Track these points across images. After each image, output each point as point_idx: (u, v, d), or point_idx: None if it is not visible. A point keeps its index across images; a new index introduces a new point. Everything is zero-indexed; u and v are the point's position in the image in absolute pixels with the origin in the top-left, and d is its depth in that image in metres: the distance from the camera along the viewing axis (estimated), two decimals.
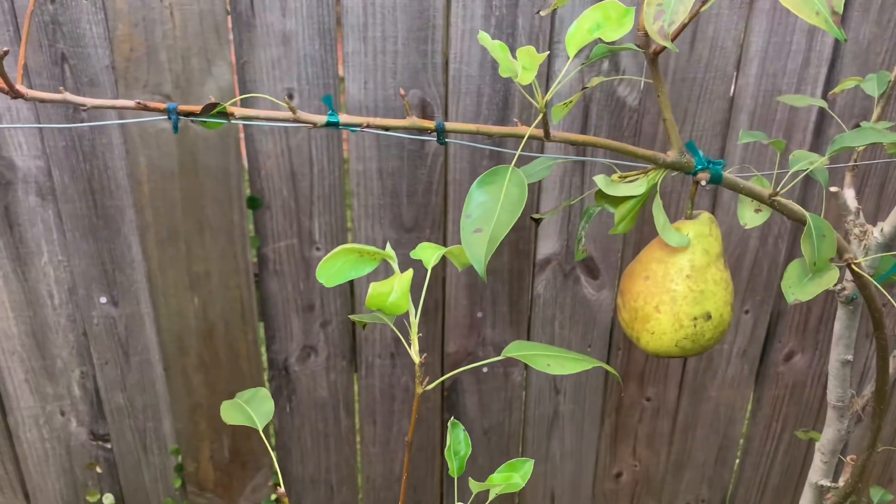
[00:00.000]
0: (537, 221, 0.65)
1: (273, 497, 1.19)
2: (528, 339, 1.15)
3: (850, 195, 0.64)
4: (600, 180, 0.51)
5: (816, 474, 0.71)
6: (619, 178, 0.52)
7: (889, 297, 0.53)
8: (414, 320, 0.46)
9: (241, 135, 0.97)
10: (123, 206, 0.97)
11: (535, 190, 1.04)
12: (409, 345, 0.45)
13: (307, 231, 1.02)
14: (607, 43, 0.51)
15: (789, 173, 0.53)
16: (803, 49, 1.01)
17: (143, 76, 0.90)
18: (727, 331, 0.58)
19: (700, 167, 0.51)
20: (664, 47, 0.44)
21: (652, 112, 1.02)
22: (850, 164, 0.66)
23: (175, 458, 1.13)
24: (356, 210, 1.02)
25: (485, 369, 1.17)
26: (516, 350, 0.47)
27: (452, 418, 0.53)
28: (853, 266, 0.55)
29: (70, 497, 1.14)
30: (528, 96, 0.44)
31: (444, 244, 1.07)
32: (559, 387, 1.21)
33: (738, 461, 1.34)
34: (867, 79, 0.67)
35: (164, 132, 0.93)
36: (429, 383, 0.46)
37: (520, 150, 0.44)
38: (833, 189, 0.61)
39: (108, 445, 1.12)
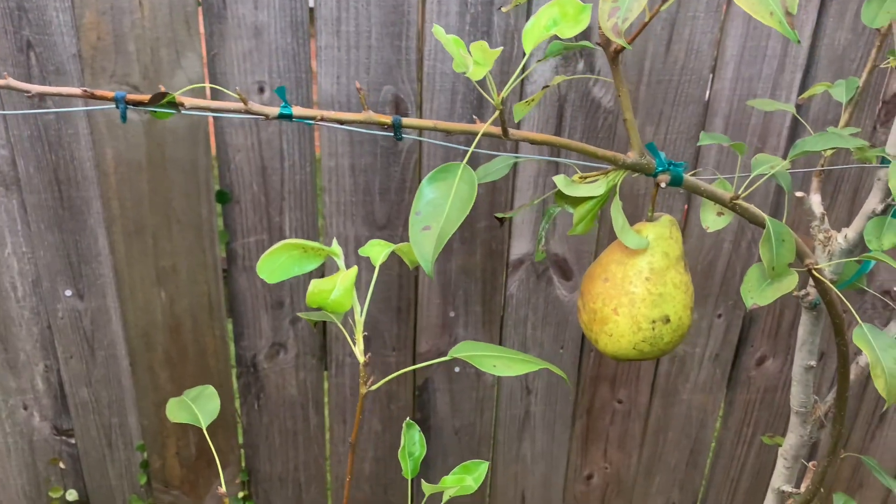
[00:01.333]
0: (501, 221, 0.64)
1: (241, 495, 1.17)
2: (501, 339, 1.15)
3: (815, 200, 0.64)
4: (559, 180, 0.51)
5: (779, 479, 0.71)
6: (580, 178, 0.52)
7: (849, 305, 0.53)
8: (359, 318, 0.45)
9: (211, 128, 0.95)
10: (90, 198, 0.95)
11: (509, 190, 1.04)
12: (354, 343, 0.44)
13: (277, 227, 1.01)
14: (563, 40, 0.50)
15: (750, 177, 0.53)
16: (778, 54, 1.01)
17: (111, 66, 0.88)
18: (686, 335, 0.58)
19: (660, 169, 0.50)
20: (622, 50, 0.43)
21: None
22: (818, 168, 0.66)
23: (141, 455, 1.12)
24: (328, 206, 1.01)
25: (456, 369, 1.16)
26: (463, 350, 0.47)
27: (408, 419, 0.52)
28: (814, 271, 0.55)
29: (32, 493, 1.12)
30: (484, 93, 0.43)
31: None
32: (531, 387, 1.20)
33: (708, 464, 1.34)
34: (836, 84, 0.67)
35: (132, 123, 0.92)
36: (371, 383, 0.45)
37: (472, 147, 0.44)
38: (799, 194, 0.61)
39: (73, 441, 1.10)
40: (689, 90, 1.02)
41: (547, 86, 0.54)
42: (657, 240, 0.55)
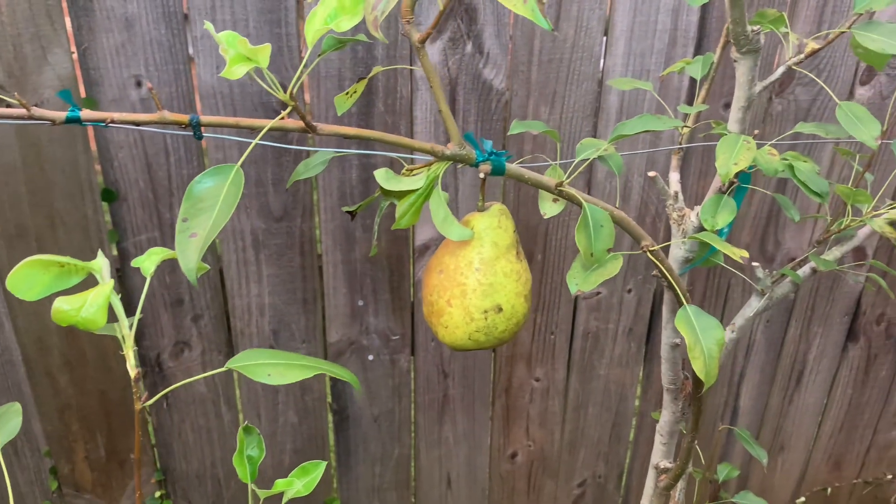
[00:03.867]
0: (352, 215, 0.63)
1: (157, 494, 1.16)
2: (412, 326, 1.14)
3: (674, 178, 0.63)
4: (380, 175, 0.50)
5: (657, 456, 0.72)
6: (407, 171, 0.51)
7: (677, 287, 0.53)
8: (129, 332, 0.43)
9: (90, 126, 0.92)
10: None
11: None
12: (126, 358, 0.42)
13: (169, 223, 0.99)
14: (339, 34, 0.49)
15: (574, 162, 0.52)
16: (669, 28, 1.01)
17: None
18: (524, 322, 0.58)
19: (481, 159, 0.50)
20: (428, 34, 0.42)
21: (520, 95, 1.01)
22: (676, 147, 0.66)
23: (49, 461, 1.10)
24: None
25: (370, 357, 1.15)
26: (240, 361, 0.46)
27: (246, 423, 0.51)
28: (649, 254, 0.55)
29: None
30: (267, 87, 0.42)
31: (316, 232, 1.05)
32: (447, 370, 1.20)
33: (632, 437, 1.36)
34: (694, 61, 0.67)
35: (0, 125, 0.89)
36: (145, 399, 0.43)
37: (258, 139, 0.42)
38: (651, 174, 0.61)
39: None
40: (582, 68, 1.01)
41: (363, 77, 0.53)
42: (486, 230, 0.55)
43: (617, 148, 1.05)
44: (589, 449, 1.35)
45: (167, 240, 0.99)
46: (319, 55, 0.51)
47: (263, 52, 0.40)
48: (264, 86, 0.43)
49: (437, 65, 0.96)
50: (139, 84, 0.90)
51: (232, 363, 0.46)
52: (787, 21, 0.56)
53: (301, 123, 0.44)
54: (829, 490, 1.55)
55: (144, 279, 1.03)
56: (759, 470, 1.48)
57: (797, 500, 1.54)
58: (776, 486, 1.52)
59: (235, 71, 0.39)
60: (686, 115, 0.70)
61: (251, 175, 0.98)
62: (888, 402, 1.48)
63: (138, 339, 1.05)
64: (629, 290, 1.19)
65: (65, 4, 0.85)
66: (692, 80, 1.03)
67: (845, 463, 1.54)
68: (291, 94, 0.41)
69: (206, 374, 0.54)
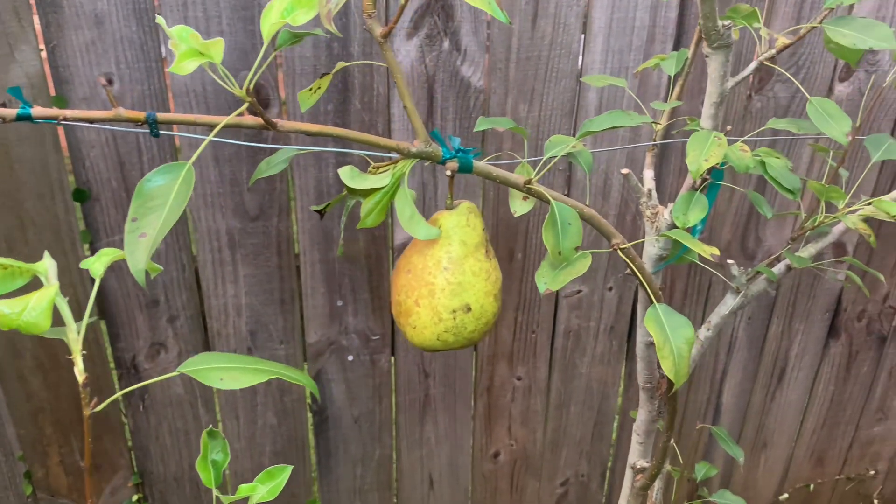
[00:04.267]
0: (321, 213, 0.62)
1: (134, 498, 1.14)
2: (393, 326, 1.13)
3: (648, 175, 0.63)
4: (344, 172, 0.49)
5: (634, 455, 0.72)
6: (374, 169, 0.50)
7: (647, 286, 0.53)
8: (75, 337, 0.42)
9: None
10: None
11: None
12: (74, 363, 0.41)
13: None
14: (295, 28, 0.48)
15: (543, 159, 0.52)
16: (647, 24, 1.00)
17: None
18: (493, 322, 0.57)
19: (447, 156, 0.49)
20: (391, 29, 0.41)
21: (499, 92, 1.00)
22: (650, 143, 0.65)
23: (23, 465, 1.08)
24: (193, 200, 0.97)
25: (350, 357, 1.14)
26: (192, 365, 0.45)
27: (210, 427, 0.50)
28: (620, 252, 0.54)
29: None
30: (222, 83, 0.41)
31: (293, 231, 1.03)
32: (428, 370, 1.19)
33: (614, 436, 1.36)
34: (669, 57, 0.66)
35: None
36: (94, 405, 0.42)
37: (211, 136, 0.41)
38: (624, 171, 0.60)
39: None
40: (560, 65, 1.00)
41: (325, 73, 0.52)
42: (454, 228, 0.54)
43: (593, 145, 1.04)
44: (571, 448, 1.34)
45: None
46: (275, 49, 0.50)
47: (216, 47, 0.39)
48: (220, 82, 0.42)
49: (413, 62, 0.95)
50: (111, 82, 0.89)
51: (184, 367, 0.45)
52: (759, 16, 0.56)
53: (259, 120, 0.43)
54: (812, 486, 1.56)
55: (118, 282, 1.02)
56: (744, 466, 1.49)
57: (780, 497, 1.55)
58: (759, 483, 1.52)
59: (185, 66, 0.38)
60: (659, 112, 0.70)
61: (225, 174, 0.97)
62: (870, 399, 1.49)
63: (113, 340, 1.04)
64: (610, 288, 1.19)
65: (32, 1, 0.84)
66: (672, 77, 1.03)
67: (828, 459, 1.55)
68: (248, 90, 0.40)
69: (157, 379, 0.53)
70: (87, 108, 0.89)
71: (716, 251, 0.49)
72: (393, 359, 1.17)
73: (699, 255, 0.50)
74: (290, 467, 0.50)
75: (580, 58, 1.01)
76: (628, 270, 0.61)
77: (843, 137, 0.50)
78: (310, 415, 1.18)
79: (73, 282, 0.97)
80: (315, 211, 0.61)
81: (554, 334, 1.22)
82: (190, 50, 0.37)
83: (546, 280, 0.51)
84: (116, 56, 0.88)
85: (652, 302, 0.53)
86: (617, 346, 1.25)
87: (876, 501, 1.63)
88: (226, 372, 0.43)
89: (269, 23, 0.39)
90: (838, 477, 1.57)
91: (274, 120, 0.44)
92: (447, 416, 1.24)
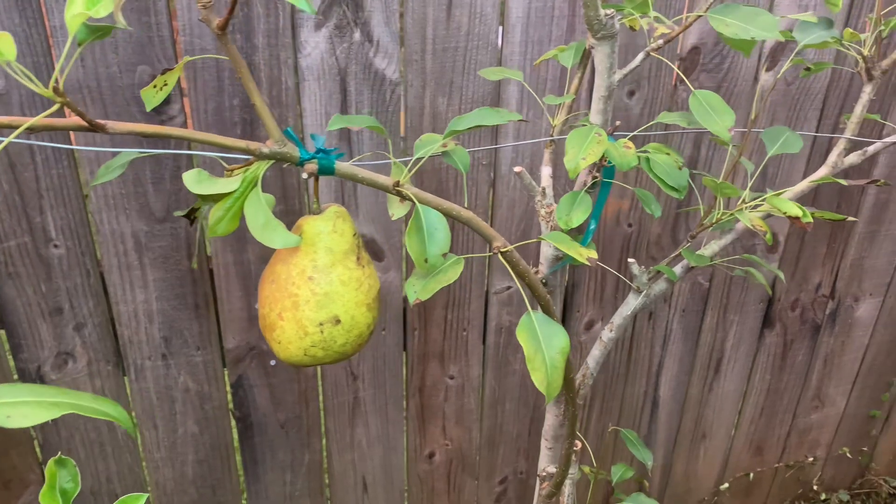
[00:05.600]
0: (190, 220, 0.58)
1: None
2: None
3: (545, 173, 0.60)
4: (189, 177, 0.45)
5: (543, 461, 0.70)
6: (229, 171, 0.46)
7: (536, 286, 0.50)
8: None
9: None
10: None
11: (294, 173, 0.97)
12: None
13: (40, 227, 0.92)
14: (96, 21, 0.44)
15: (412, 160, 0.49)
16: (567, 14, 0.98)
17: None
18: (369, 333, 0.54)
19: (305, 157, 0.45)
20: (228, 20, 0.38)
21: (416, 85, 0.97)
22: (548, 139, 0.63)
23: None
24: (94, 201, 0.92)
25: (273, 362, 1.11)
26: None
27: (60, 455, 0.46)
28: (502, 257, 0.51)
29: None
30: (24, 81, 0.37)
31: (203, 231, 0.99)
32: (356, 372, 1.16)
33: None
34: (567, 48, 0.63)
35: None
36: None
37: (11, 137, 0.38)
38: (517, 169, 0.57)
39: None
40: (479, 57, 0.97)
41: (168, 69, 0.48)
42: (318, 235, 0.50)
43: (515, 138, 1.02)
44: (508, 445, 1.32)
45: (39, 245, 0.92)
46: (79, 44, 0.45)
47: (4, 43, 0.35)
48: (20, 79, 0.38)
49: (323, 54, 0.91)
50: None
51: None
52: (651, 6, 0.53)
53: (79, 121, 0.39)
54: (752, 475, 1.57)
55: (17, 290, 0.96)
56: (683, 457, 1.49)
57: (721, 487, 1.55)
58: (700, 473, 1.52)
59: None
60: (556, 107, 0.67)
61: (127, 174, 0.92)
62: (806, 387, 1.50)
63: (15, 350, 0.98)
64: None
65: None
66: (591, 70, 1.00)
67: (767, 448, 1.55)
68: (56, 88, 0.36)
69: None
70: None
71: (593, 254, 0.46)
72: None
73: (588, 257, 0.48)
74: (146, 496, 0.47)
75: (499, 49, 0.98)
76: (534, 269, 0.59)
77: (725, 132, 0.47)
78: (234, 422, 1.14)
79: None
80: (181, 217, 0.57)
81: (485, 332, 1.19)
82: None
83: (416, 289, 0.47)
84: None
85: (542, 305, 0.50)
86: None
87: (816, 487, 1.65)
88: (13, 408, 0.39)
89: (72, 14, 0.35)
90: (778, 465, 1.58)
91: (100, 121, 0.40)
92: (378, 418, 1.21)
